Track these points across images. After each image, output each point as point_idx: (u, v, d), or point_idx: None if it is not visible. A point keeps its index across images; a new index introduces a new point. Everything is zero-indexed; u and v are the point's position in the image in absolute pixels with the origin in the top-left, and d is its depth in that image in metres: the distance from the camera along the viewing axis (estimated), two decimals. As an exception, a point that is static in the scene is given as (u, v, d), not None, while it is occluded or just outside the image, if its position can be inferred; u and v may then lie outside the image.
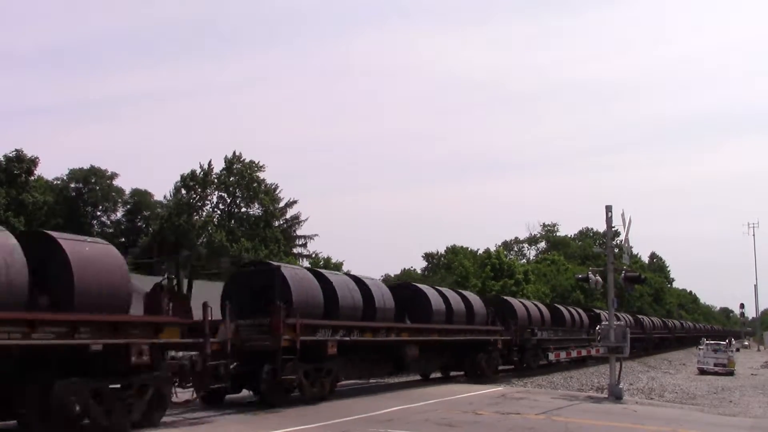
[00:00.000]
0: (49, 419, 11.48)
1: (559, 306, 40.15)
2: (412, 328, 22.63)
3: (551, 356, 33.20)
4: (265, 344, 16.05)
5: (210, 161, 63.86)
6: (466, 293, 28.93)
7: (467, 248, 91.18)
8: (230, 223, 62.86)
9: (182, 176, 62.84)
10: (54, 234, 12.61)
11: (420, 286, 25.86)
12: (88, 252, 12.50)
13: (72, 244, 12.45)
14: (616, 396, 21.01)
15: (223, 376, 14.76)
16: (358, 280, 21.00)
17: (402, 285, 27.11)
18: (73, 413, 11.58)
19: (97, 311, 12.02)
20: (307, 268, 23.73)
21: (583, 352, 36.28)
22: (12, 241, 11.37)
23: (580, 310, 42.35)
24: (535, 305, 35.82)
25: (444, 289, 27.24)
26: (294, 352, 16.56)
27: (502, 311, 30.82)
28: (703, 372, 37.89)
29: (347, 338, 18.76)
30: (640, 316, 55.24)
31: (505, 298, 35.51)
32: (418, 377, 26.54)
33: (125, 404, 12.49)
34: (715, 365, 38.14)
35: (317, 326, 17.77)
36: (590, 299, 71.86)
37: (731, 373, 37.10)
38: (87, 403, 11.78)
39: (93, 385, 11.95)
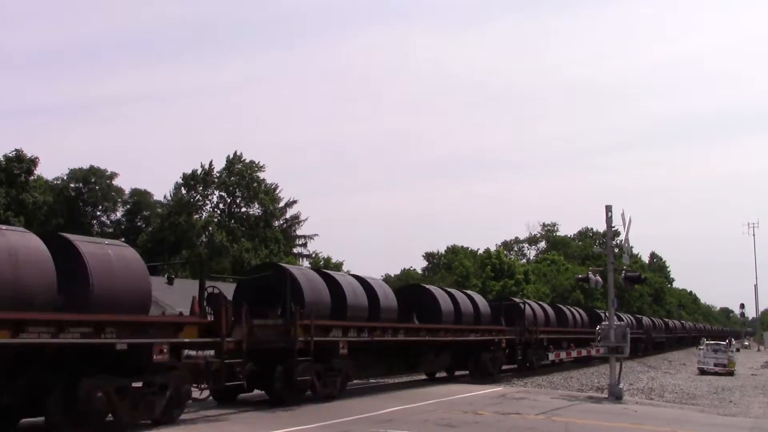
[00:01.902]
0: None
1: (427, 286, 27.62)
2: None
3: (551, 356, 33.10)
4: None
5: (211, 161, 64.01)
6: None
7: (467, 248, 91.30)
8: (230, 223, 62.88)
9: (184, 175, 62.96)
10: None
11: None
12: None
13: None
14: (616, 396, 20.99)
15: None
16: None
17: None
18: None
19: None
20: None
21: (584, 353, 36.00)
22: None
23: (477, 297, 29.80)
24: (381, 288, 22.02)
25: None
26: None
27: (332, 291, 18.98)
28: (703, 372, 37.83)
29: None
30: (599, 312, 43.63)
31: (327, 271, 21.19)
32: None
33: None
34: (715, 365, 38.08)
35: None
36: (590, 299, 71.85)
37: (731, 374, 37.05)
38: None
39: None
